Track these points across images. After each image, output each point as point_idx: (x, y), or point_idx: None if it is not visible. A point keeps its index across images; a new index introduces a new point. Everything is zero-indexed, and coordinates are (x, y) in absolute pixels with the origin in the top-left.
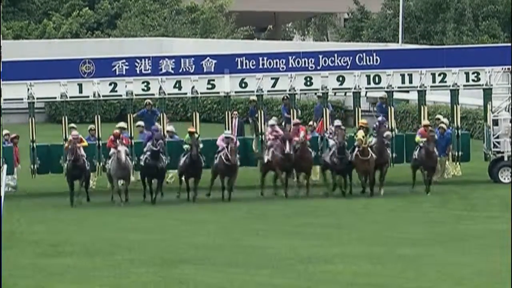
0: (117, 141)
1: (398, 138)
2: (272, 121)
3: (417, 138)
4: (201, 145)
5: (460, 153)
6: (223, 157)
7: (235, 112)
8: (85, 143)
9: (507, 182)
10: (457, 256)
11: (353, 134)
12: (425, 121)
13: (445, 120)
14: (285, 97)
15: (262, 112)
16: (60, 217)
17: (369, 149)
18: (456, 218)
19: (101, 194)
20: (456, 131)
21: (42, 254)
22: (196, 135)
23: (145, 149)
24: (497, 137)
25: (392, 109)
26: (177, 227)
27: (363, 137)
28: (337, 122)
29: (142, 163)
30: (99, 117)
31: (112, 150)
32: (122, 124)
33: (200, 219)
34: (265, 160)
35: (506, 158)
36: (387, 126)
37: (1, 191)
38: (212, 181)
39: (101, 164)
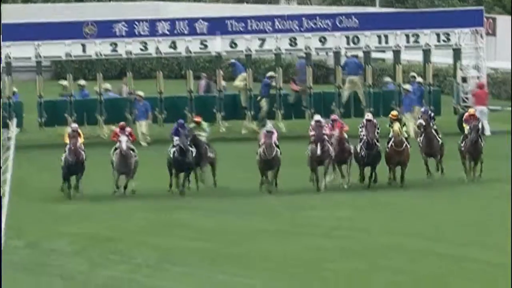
0: (120, 133)
1: (376, 94)
2: (317, 116)
3: (465, 127)
4: (206, 133)
5: (431, 107)
6: (261, 152)
7: (204, 74)
8: (82, 139)
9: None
10: (428, 200)
11: (388, 125)
12: (471, 110)
13: (420, 79)
14: (271, 76)
15: (250, 71)
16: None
17: (403, 139)
18: (421, 167)
19: (102, 145)
20: (428, 87)
21: (49, 199)
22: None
23: (174, 143)
24: (466, 93)
25: (370, 67)
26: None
27: (399, 128)
28: (368, 116)
29: (170, 156)
30: (101, 74)
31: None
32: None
33: None
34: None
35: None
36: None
37: (11, 143)
38: (261, 173)
39: (103, 117)
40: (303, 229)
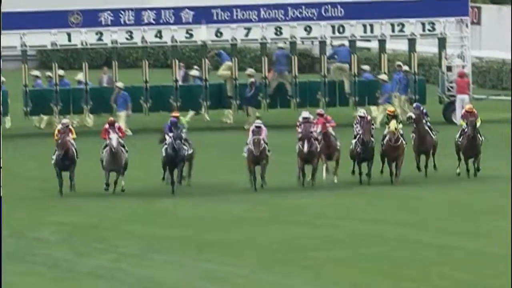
0: (110, 130)
1: (361, 83)
2: (305, 113)
3: (461, 122)
4: (185, 128)
5: (417, 96)
6: (250, 148)
7: (182, 64)
8: (74, 135)
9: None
10: (415, 190)
11: (385, 123)
12: (468, 106)
13: (406, 67)
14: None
15: (236, 60)
16: (51, 155)
17: (399, 135)
18: (412, 157)
19: (87, 134)
20: (413, 76)
21: (34, 188)
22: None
23: (167, 141)
24: (451, 82)
25: (356, 56)
26: (156, 163)
27: (395, 129)
28: (361, 112)
29: (163, 154)
30: (86, 64)
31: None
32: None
33: None
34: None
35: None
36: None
37: None
38: (249, 169)
39: (88, 106)
40: (287, 217)
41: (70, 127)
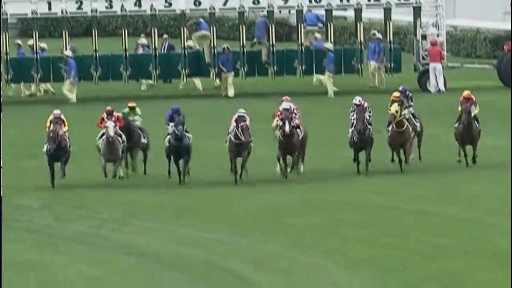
0: (106, 119)
1: (337, 51)
2: (286, 104)
3: (459, 108)
4: (141, 118)
5: (392, 64)
6: (232, 137)
7: (165, 36)
8: (67, 127)
9: (433, 91)
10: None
11: (388, 106)
12: (466, 92)
13: (379, 35)
14: (225, 48)
15: (215, 28)
16: (32, 122)
17: (404, 120)
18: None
19: (70, 104)
20: (389, 45)
21: (15, 155)
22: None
23: (169, 131)
24: (426, 50)
25: (332, 25)
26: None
27: (396, 111)
28: (356, 100)
29: (166, 144)
30: (66, 32)
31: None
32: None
33: (158, 123)
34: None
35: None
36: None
37: None
38: (231, 161)
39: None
40: (267, 184)
41: (62, 117)
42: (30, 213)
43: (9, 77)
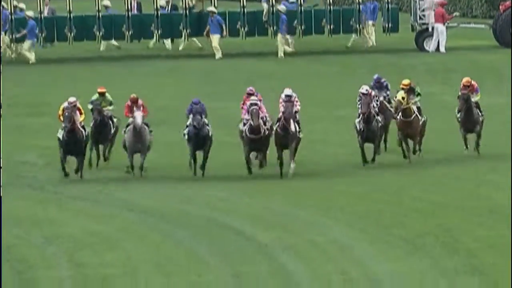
0: (134, 108)
1: (335, 11)
2: (288, 91)
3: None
4: (112, 105)
5: (390, 24)
6: (247, 131)
7: None
8: (83, 116)
9: (431, 51)
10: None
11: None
12: (465, 79)
13: None
14: (211, 11)
15: None
16: (37, 81)
17: (413, 108)
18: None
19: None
20: (386, 5)
21: (20, 113)
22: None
23: (188, 122)
24: (423, 10)
25: None
26: (138, 91)
27: (403, 98)
28: (363, 89)
29: (186, 135)
30: None
31: (130, 119)
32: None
33: (159, 83)
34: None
35: (430, 29)
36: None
37: None
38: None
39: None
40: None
41: (78, 105)
42: (35, 170)
43: (13, 36)
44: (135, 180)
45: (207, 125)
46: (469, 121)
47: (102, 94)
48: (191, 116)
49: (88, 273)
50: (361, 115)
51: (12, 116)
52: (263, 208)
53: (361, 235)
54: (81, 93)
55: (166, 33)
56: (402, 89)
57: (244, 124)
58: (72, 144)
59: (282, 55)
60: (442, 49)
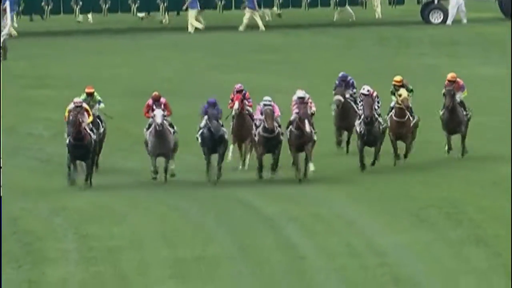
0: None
1: None
2: (301, 92)
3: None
4: (102, 105)
5: None
6: (261, 131)
7: None
8: (91, 117)
9: (436, 23)
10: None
11: (390, 92)
12: (450, 75)
13: None
14: None
15: None
16: (43, 53)
17: (405, 109)
18: (393, 55)
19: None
20: None
21: (26, 86)
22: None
23: (201, 124)
24: None
25: None
26: (144, 63)
27: (408, 95)
28: (365, 89)
29: (199, 135)
30: None
31: (151, 119)
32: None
33: (164, 56)
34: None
35: (436, 1)
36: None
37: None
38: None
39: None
40: None
41: (85, 106)
42: (41, 142)
43: (20, 9)
44: (140, 146)
45: (222, 125)
46: (453, 121)
47: (90, 94)
48: (205, 117)
49: (94, 245)
50: (362, 117)
51: (18, 88)
52: (269, 182)
53: (365, 208)
54: (87, 64)
55: (144, 7)
56: (394, 86)
57: (257, 127)
58: (80, 149)
59: (243, 28)
60: (464, 20)
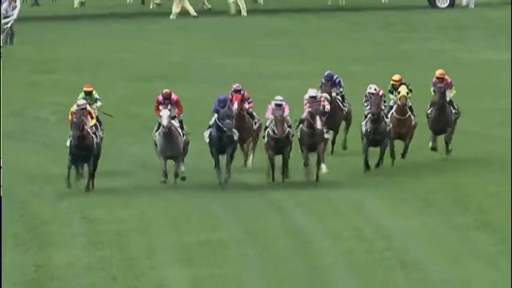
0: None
1: None
2: (313, 91)
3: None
4: (99, 103)
5: None
6: (270, 132)
7: None
8: (94, 120)
9: (443, 7)
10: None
11: (388, 91)
12: (438, 71)
13: None
14: None
15: None
16: (49, 38)
17: (407, 108)
18: (398, 39)
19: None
20: None
21: (33, 70)
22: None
23: (210, 122)
24: None
25: None
26: (150, 47)
27: (407, 94)
28: (371, 88)
29: (207, 135)
30: None
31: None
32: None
33: (170, 40)
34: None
35: None
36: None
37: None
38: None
39: None
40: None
41: (89, 108)
42: (47, 127)
43: None
44: (147, 131)
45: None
46: (441, 120)
47: (88, 93)
48: (215, 115)
49: (101, 229)
50: (368, 116)
51: (24, 72)
52: (278, 167)
53: (373, 192)
54: (93, 49)
55: None
56: (392, 85)
57: (266, 128)
58: (83, 151)
59: (232, 12)
60: (472, 5)
